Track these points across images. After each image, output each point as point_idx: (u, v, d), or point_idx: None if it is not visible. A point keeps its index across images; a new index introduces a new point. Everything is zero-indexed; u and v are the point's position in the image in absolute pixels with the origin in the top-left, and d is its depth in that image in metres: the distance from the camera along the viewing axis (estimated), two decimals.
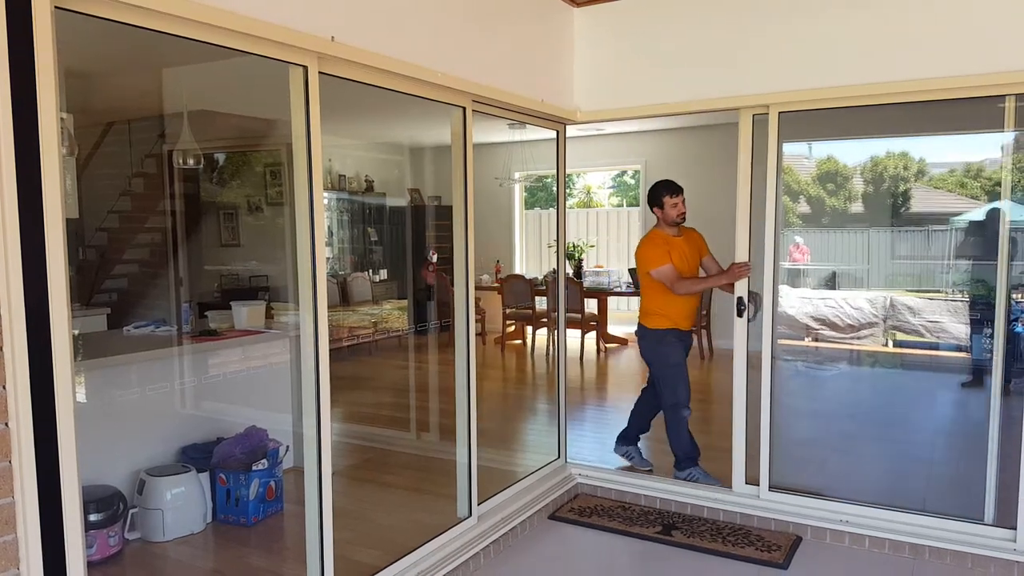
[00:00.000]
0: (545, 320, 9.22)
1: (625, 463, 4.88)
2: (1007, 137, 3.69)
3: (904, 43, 3.63)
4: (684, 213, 4.63)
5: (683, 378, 4.63)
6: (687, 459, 4.58)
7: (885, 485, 4.53)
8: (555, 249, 4.96)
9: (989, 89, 3.51)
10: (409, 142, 10.82)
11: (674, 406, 4.60)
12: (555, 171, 4.80)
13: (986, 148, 7.63)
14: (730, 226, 6.67)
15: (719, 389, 7.57)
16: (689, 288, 4.51)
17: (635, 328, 4.83)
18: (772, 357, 4.14)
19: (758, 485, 4.19)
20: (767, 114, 4.00)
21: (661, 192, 4.62)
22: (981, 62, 3.44)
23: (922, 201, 8.59)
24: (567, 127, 4.67)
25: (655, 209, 4.70)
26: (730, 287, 4.31)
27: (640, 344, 4.81)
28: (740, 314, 4.22)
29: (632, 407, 5.01)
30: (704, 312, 8.64)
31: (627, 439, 4.93)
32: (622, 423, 5.01)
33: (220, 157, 8.16)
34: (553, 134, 4.66)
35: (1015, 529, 3.57)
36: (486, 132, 8.97)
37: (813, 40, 3.83)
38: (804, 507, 4.07)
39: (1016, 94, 3.51)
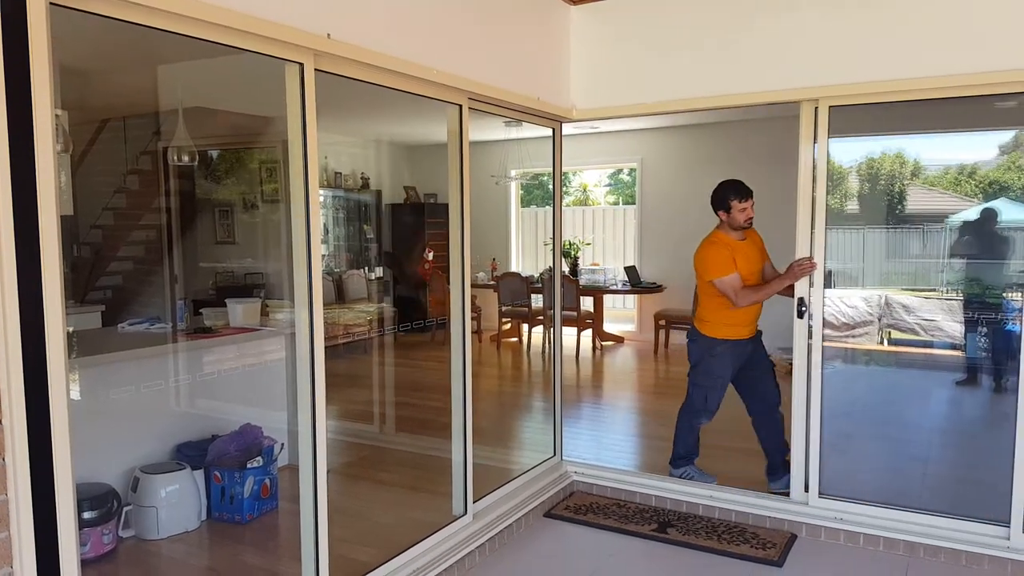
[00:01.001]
0: (541, 318, 9.22)
1: (624, 462, 4.88)
2: None
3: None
4: (752, 218, 4.27)
5: (718, 391, 4.40)
6: (685, 458, 4.54)
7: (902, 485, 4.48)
8: (551, 247, 4.94)
9: None
10: (405, 139, 10.82)
11: (696, 412, 4.46)
12: (551, 169, 4.78)
13: (984, 147, 7.64)
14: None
15: None
16: (751, 299, 4.21)
17: (688, 328, 4.62)
18: (822, 361, 3.97)
19: (807, 492, 4.08)
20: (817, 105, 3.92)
21: (729, 195, 4.23)
22: None
23: (920, 200, 8.59)
24: (563, 125, 4.67)
25: (720, 212, 4.30)
26: (790, 290, 4.06)
27: (689, 345, 4.56)
28: (800, 315, 4.00)
29: (760, 439, 4.56)
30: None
31: (776, 469, 4.44)
32: (619, 420, 5.02)
33: (215, 154, 8.15)
34: (549, 132, 4.65)
35: (1008, 526, 3.58)
36: (482, 130, 8.97)
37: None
38: (800, 506, 4.08)
39: None
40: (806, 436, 4.05)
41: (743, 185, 4.25)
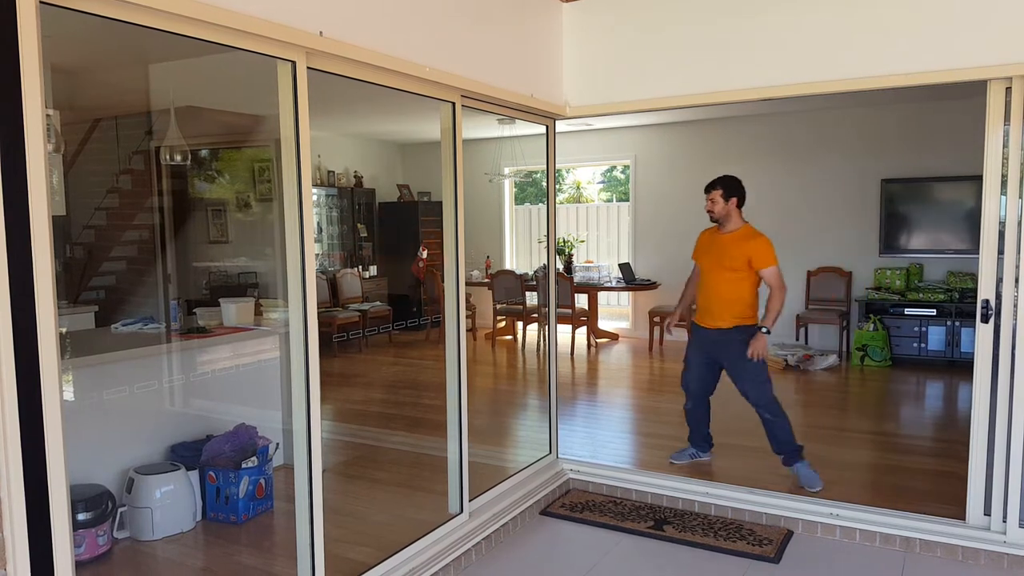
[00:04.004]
0: (535, 315, 9.23)
1: (620, 460, 4.87)
2: None
3: None
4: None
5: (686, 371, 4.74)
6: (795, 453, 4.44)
7: None
8: (545, 244, 4.94)
9: None
10: (399, 137, 10.81)
11: (772, 400, 4.42)
12: (545, 166, 4.78)
13: None
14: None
15: None
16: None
17: (723, 332, 4.49)
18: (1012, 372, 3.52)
19: (1006, 522, 3.62)
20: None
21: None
22: None
23: None
24: (557, 121, 4.66)
25: (740, 204, 4.46)
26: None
27: (744, 347, 4.40)
28: (986, 320, 3.58)
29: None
30: (694, 307, 8.65)
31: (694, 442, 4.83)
32: (614, 418, 5.01)
33: (208, 153, 8.13)
34: (542, 129, 4.65)
35: (1005, 522, 3.59)
36: (476, 128, 8.97)
37: None
38: (796, 502, 4.08)
39: None
40: (1006, 462, 3.58)
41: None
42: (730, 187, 4.42)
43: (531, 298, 9.19)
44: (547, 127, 4.64)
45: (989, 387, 3.61)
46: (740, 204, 4.45)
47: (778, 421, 4.42)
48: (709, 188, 4.44)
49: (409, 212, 10.77)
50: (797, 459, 4.40)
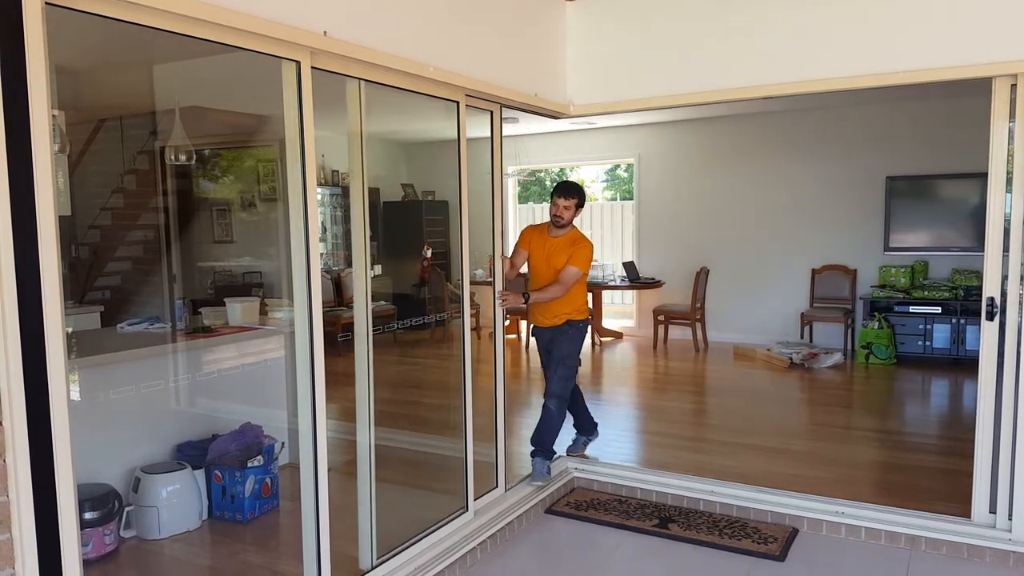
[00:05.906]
0: None
1: (624, 458, 4.88)
2: None
3: None
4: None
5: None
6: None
7: None
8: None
9: None
10: (403, 137, 10.81)
11: (564, 400, 4.74)
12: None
13: None
14: (720, 220, 6.43)
15: (714, 383, 7.59)
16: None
17: (556, 328, 4.85)
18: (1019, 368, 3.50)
19: (1011, 519, 3.61)
20: None
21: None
22: None
23: None
24: (558, 117, 4.66)
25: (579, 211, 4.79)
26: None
27: (570, 338, 4.79)
28: (991, 317, 3.55)
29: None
30: (699, 305, 8.66)
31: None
32: (617, 416, 5.02)
33: (212, 153, 8.14)
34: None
35: (1010, 519, 3.59)
36: (479, 127, 8.96)
37: None
38: (801, 500, 4.08)
39: None
40: (1012, 459, 3.56)
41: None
42: (582, 199, 4.79)
43: None
44: (491, 112, 4.30)
45: (994, 385, 3.60)
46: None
47: (555, 419, 4.65)
48: (565, 195, 4.67)
49: (413, 211, 10.77)
50: (543, 456, 4.56)
